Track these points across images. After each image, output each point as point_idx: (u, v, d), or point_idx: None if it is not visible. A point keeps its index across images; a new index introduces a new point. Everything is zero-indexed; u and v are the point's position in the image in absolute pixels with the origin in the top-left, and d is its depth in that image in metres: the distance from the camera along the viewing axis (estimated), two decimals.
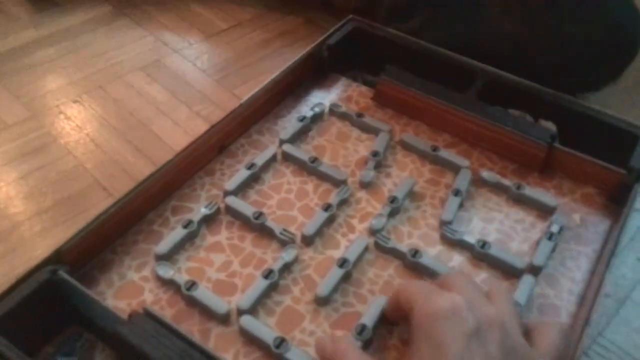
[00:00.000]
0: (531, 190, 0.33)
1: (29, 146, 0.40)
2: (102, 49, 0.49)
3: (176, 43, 0.49)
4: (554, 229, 0.31)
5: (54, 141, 0.40)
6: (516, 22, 0.40)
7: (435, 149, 0.36)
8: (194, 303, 0.28)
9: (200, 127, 0.40)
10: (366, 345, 0.26)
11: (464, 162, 0.35)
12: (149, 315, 0.25)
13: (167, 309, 0.28)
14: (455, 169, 0.35)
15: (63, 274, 0.27)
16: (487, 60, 0.39)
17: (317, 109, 0.39)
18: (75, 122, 0.42)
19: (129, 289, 0.28)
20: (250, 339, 0.26)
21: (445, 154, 0.36)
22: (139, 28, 0.51)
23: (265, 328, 0.26)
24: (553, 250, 0.30)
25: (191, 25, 0.52)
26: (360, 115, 0.38)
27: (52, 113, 0.43)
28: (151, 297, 0.28)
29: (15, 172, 0.38)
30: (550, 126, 0.38)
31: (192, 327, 0.27)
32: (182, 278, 0.28)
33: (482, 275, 0.30)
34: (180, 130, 0.41)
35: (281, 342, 0.26)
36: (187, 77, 0.46)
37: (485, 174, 0.35)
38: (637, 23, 0.39)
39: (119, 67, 0.47)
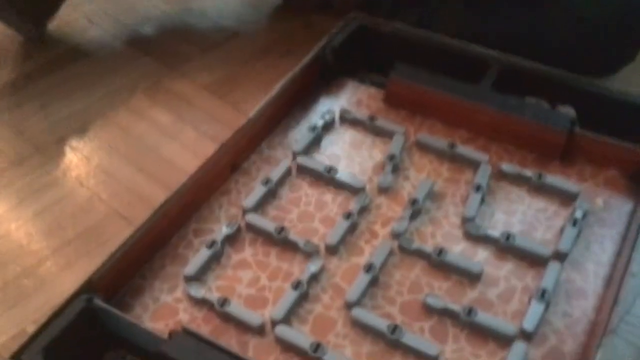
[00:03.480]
0: (552, 179, 0.40)
1: (39, 182, 0.47)
2: (98, 74, 0.56)
3: (173, 61, 0.57)
4: (578, 214, 0.37)
5: (63, 175, 0.48)
6: (529, 5, 0.46)
7: (452, 146, 0.42)
8: (228, 318, 0.34)
9: (209, 149, 0.46)
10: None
11: (482, 157, 0.41)
12: (188, 333, 0.32)
13: (203, 327, 0.34)
14: (475, 165, 0.41)
15: (98, 301, 0.34)
16: (500, 47, 0.45)
17: (327, 117, 0.45)
18: (82, 153, 0.50)
19: (165, 311, 0.35)
20: (287, 347, 0.33)
21: (463, 150, 0.42)
22: (132, 48, 0.59)
23: (300, 335, 0.33)
24: (578, 235, 0.37)
25: (186, 40, 0.59)
26: (372, 119, 0.45)
27: (57, 146, 0.50)
28: (187, 317, 0.35)
29: (30, 209, 0.45)
30: (569, 111, 0.44)
31: (229, 341, 0.34)
32: (213, 296, 0.35)
33: (508, 267, 0.36)
34: (189, 153, 0.48)
35: (317, 346, 0.32)
36: (189, 96, 0.53)
37: (505, 166, 0.41)
38: None
39: (119, 92, 0.54)
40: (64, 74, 0.57)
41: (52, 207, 0.45)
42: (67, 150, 0.50)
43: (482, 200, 0.39)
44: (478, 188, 0.39)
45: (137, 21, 0.62)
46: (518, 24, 0.47)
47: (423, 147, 0.43)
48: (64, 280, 0.40)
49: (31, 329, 0.33)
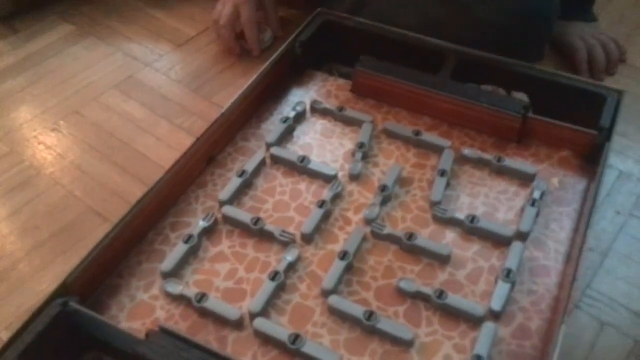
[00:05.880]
0: (511, 161, 0.36)
1: (13, 181, 0.40)
2: (71, 71, 0.48)
3: (146, 56, 0.49)
4: (536, 195, 0.33)
5: (37, 173, 0.40)
6: (437, 5, 0.41)
7: (417, 133, 0.37)
8: (206, 314, 0.29)
9: (184, 140, 0.40)
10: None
11: (445, 142, 0.37)
12: (165, 331, 0.26)
13: (181, 323, 0.29)
14: (439, 150, 0.37)
15: (74, 304, 0.27)
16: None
17: (298, 108, 0.40)
18: (56, 150, 0.42)
19: (141, 309, 0.29)
20: (266, 340, 0.28)
21: (428, 136, 0.37)
22: (104, 45, 0.50)
23: (278, 327, 0.28)
24: (537, 215, 0.33)
25: (158, 35, 0.51)
26: (341, 109, 0.39)
27: (31, 144, 0.42)
28: (164, 314, 0.29)
29: (4, 209, 0.38)
30: (523, 97, 0.40)
31: (208, 337, 0.28)
32: (191, 291, 0.29)
33: (474, 248, 0.32)
34: (163, 146, 0.42)
35: (296, 338, 0.27)
36: (162, 90, 0.46)
37: (467, 151, 0.36)
38: (550, 8, 0.41)
39: (92, 88, 0.46)
40: (37, 72, 0.48)
41: (26, 206, 0.38)
42: (41, 148, 0.42)
43: (447, 184, 0.35)
44: (442, 173, 0.35)
45: (110, 17, 0.53)
46: (429, 21, 0.41)
47: (390, 135, 0.38)
48: (38, 281, 0.33)
49: (5, 335, 0.27)
